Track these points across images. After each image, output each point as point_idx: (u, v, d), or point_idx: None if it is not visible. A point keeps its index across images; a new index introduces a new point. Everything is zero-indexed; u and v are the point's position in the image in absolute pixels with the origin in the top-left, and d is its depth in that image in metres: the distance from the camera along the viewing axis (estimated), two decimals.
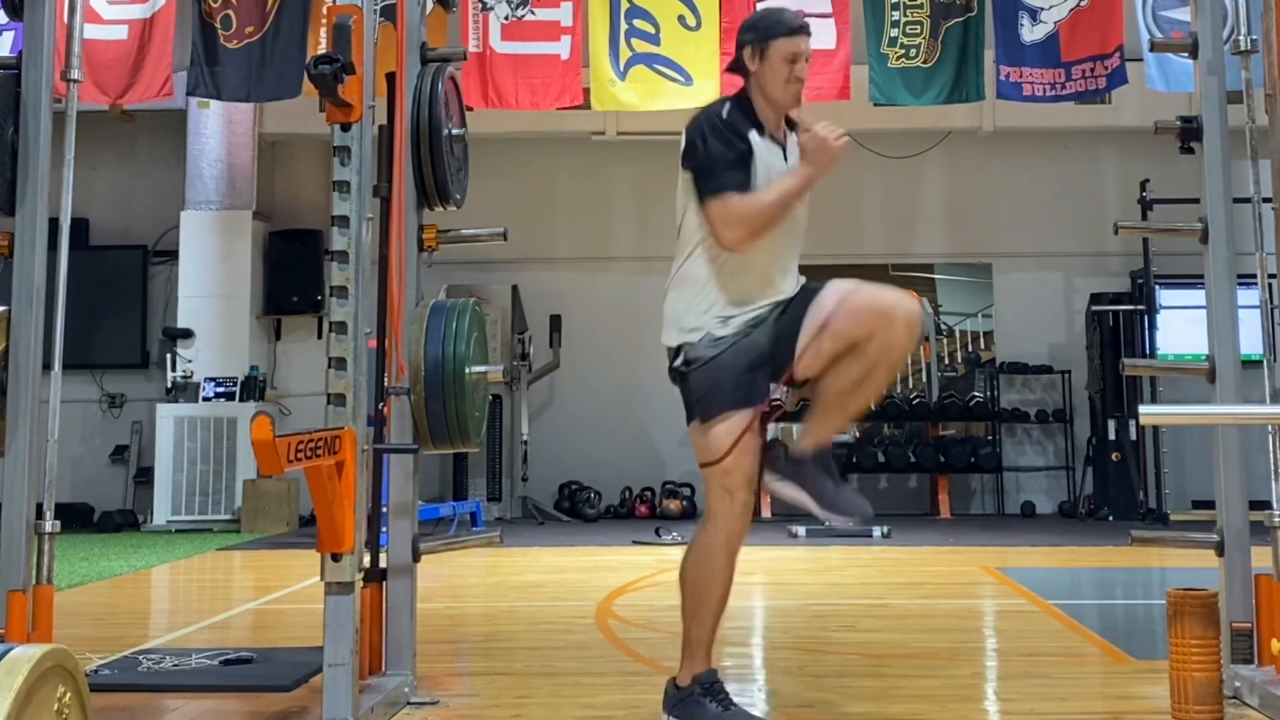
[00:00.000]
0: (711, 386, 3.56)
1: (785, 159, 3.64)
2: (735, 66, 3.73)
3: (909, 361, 12.67)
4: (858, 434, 11.76)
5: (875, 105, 9.36)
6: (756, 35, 3.66)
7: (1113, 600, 6.89)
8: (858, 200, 12.07)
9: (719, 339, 3.57)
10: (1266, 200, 3.94)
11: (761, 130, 3.62)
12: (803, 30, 3.67)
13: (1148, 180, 11.24)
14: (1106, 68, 8.97)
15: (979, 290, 12.60)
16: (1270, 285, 4.11)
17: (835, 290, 3.50)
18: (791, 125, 3.71)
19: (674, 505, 11.49)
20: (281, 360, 12.03)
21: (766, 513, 10.87)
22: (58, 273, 3.45)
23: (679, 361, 3.63)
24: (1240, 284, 4.05)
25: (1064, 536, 9.70)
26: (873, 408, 11.87)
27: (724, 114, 3.63)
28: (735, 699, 3.64)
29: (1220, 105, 4.05)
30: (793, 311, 3.55)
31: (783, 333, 3.54)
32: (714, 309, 3.58)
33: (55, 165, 3.40)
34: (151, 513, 10.97)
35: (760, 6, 9.05)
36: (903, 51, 9.19)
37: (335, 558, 3.47)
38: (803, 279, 3.68)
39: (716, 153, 3.55)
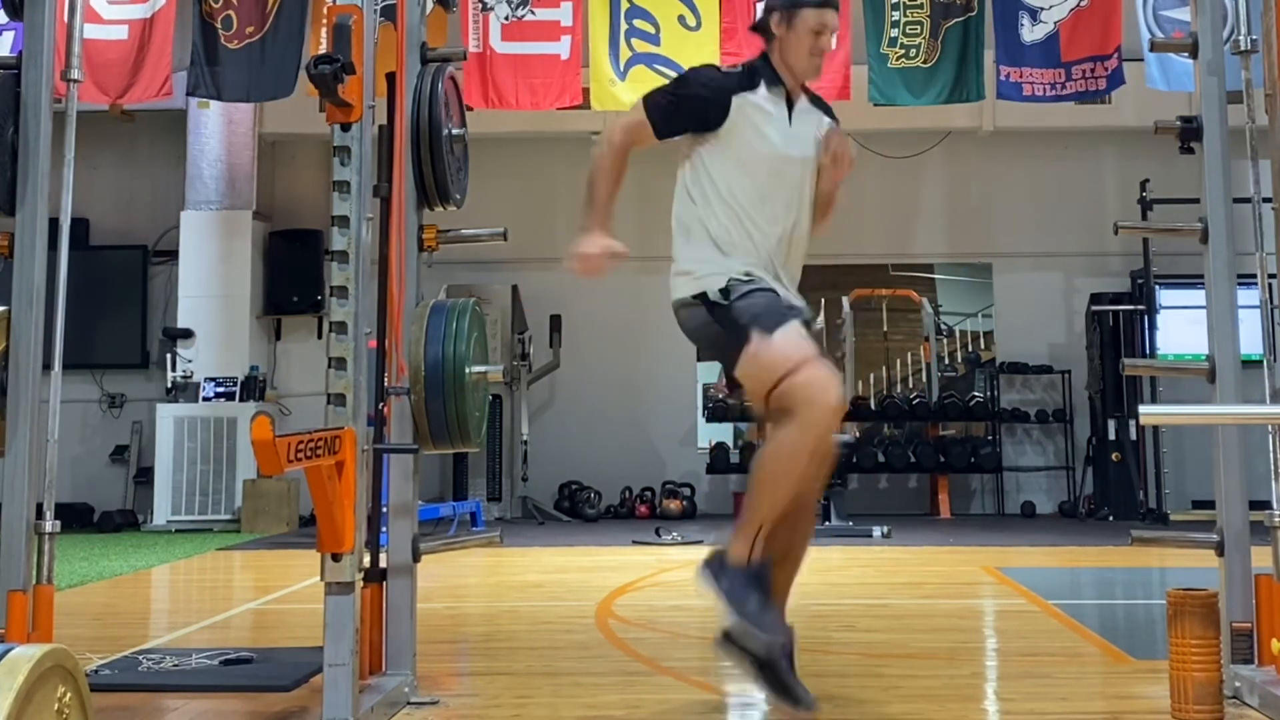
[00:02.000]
0: (764, 304, 3.50)
1: (790, 120, 3.67)
2: (760, 27, 3.77)
3: (909, 361, 12.69)
4: (857, 434, 11.77)
5: (875, 105, 9.36)
6: (786, 2, 3.70)
7: (1113, 600, 6.89)
8: (858, 200, 12.05)
9: (751, 275, 3.57)
10: (1266, 200, 3.94)
11: (773, 85, 3.66)
12: (831, 4, 3.72)
13: (1148, 180, 11.24)
14: (1106, 68, 8.98)
15: (979, 290, 12.61)
16: (1270, 285, 4.11)
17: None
18: (808, 91, 3.76)
19: (674, 505, 11.49)
20: (281, 360, 12.03)
21: None
22: (58, 273, 3.45)
23: (717, 295, 3.53)
24: (1240, 284, 4.05)
25: (1064, 536, 9.70)
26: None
27: (724, 71, 3.78)
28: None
29: (1220, 105, 4.05)
30: None
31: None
32: (736, 266, 3.59)
33: (55, 165, 3.40)
34: (151, 513, 10.97)
35: (759, 6, 9.06)
36: (903, 51, 9.19)
37: (335, 558, 3.47)
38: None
39: (677, 93, 3.72)
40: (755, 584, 3.44)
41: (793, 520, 3.57)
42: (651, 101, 3.69)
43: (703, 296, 3.57)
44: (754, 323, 3.46)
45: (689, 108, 3.66)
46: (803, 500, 3.58)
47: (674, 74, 9.05)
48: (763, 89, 3.66)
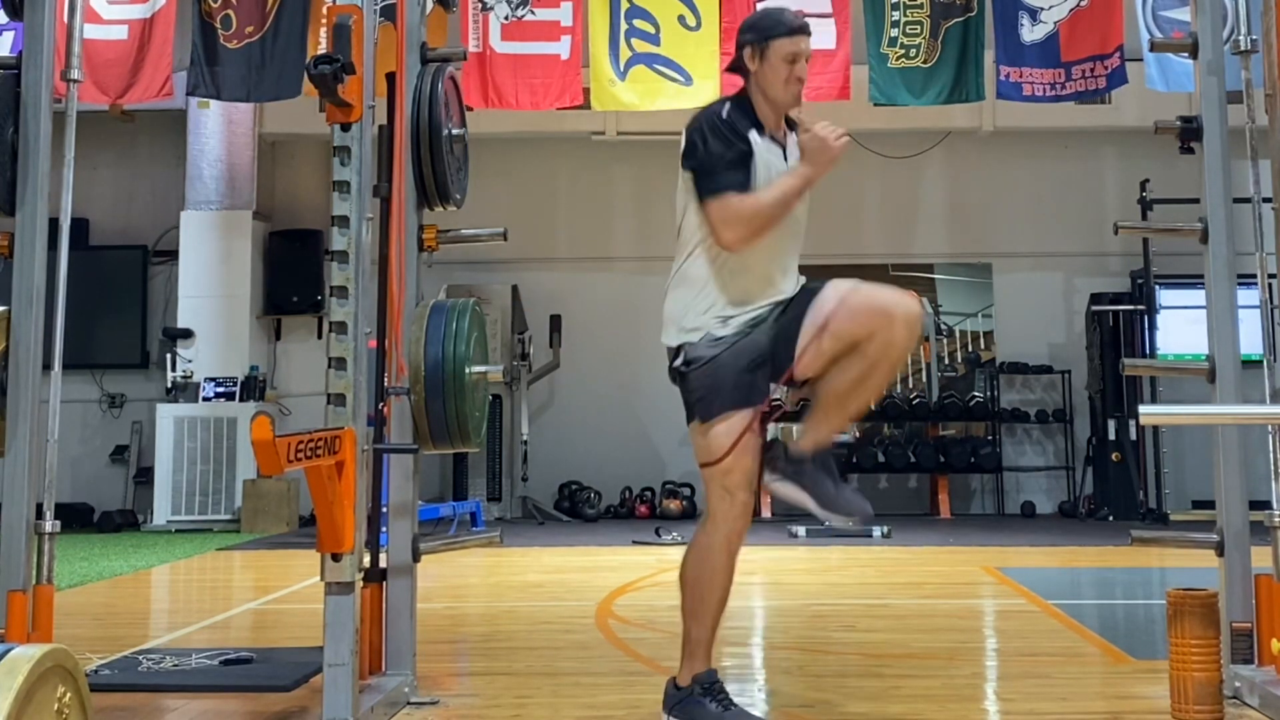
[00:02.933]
0: (711, 386, 3.56)
1: (785, 158, 3.64)
2: (735, 66, 3.73)
3: (909, 361, 12.68)
4: (858, 434, 11.77)
5: (875, 105, 9.36)
6: (756, 35, 3.67)
7: (1113, 600, 6.89)
8: (858, 200, 12.08)
9: (719, 339, 3.56)
10: (1266, 200, 3.94)
11: (761, 130, 3.62)
12: (803, 30, 3.67)
13: (1148, 180, 11.24)
14: (1106, 68, 8.97)
15: (979, 290, 12.60)
16: (1270, 285, 4.11)
17: (835, 290, 3.49)
18: (791, 125, 3.71)
19: (674, 505, 11.49)
20: (281, 360, 12.03)
21: (766, 513, 10.87)
22: (58, 273, 3.45)
23: (679, 361, 3.62)
24: (1240, 284, 4.05)
25: (1064, 536, 9.70)
26: (873, 407, 11.89)
27: (724, 114, 3.63)
28: (735, 699, 3.64)
29: (1220, 105, 4.05)
30: (792, 311, 3.54)
31: (783, 333, 3.53)
32: (714, 309, 3.58)
33: (55, 165, 3.40)
34: (151, 513, 10.97)
35: (760, 6, 9.05)
36: (903, 51, 9.18)
37: (335, 558, 3.47)
38: (802, 279, 3.68)
39: (716, 152, 3.55)
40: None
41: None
42: (710, 181, 3.53)
43: (677, 352, 3.64)
44: (698, 404, 3.60)
45: (738, 161, 3.56)
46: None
47: (674, 74, 9.20)
48: (754, 133, 3.61)
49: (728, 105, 3.68)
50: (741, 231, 3.50)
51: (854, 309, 3.43)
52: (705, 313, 3.58)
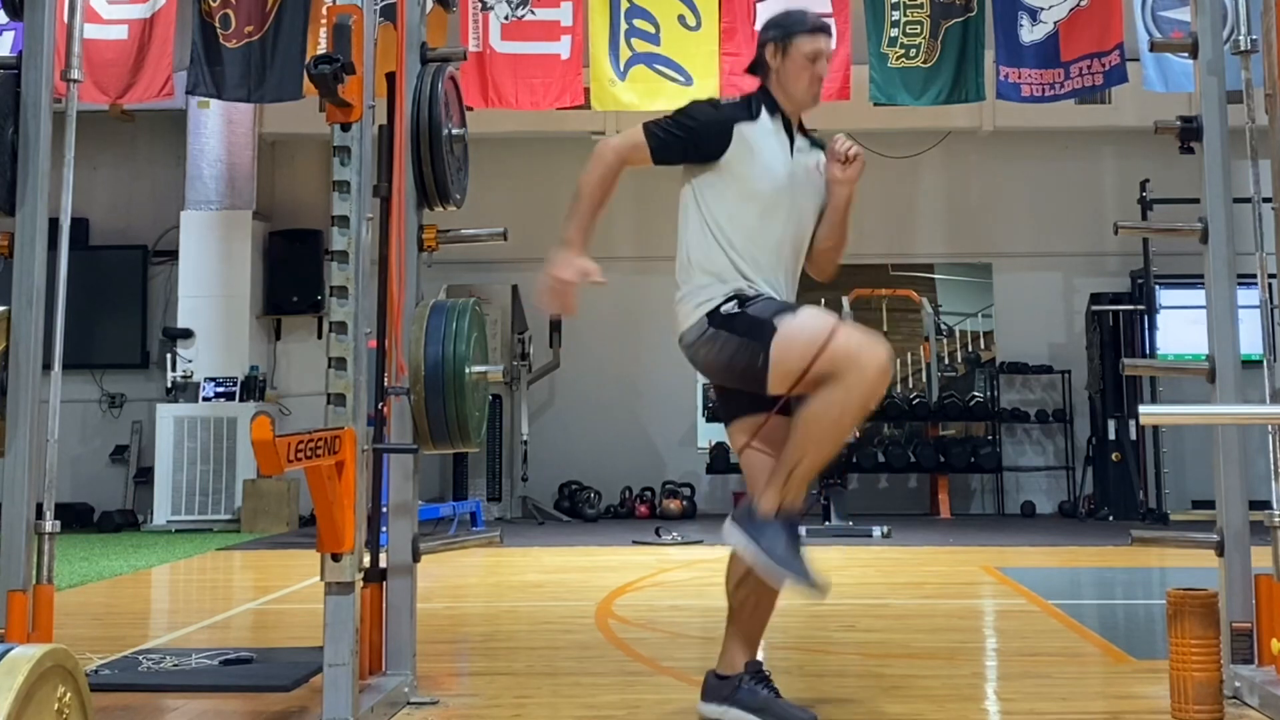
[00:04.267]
0: (780, 304, 3.52)
1: (791, 153, 3.65)
2: (756, 64, 3.76)
3: (909, 361, 12.69)
4: (858, 434, 11.76)
5: (875, 105, 9.36)
6: (780, 32, 3.70)
7: (1113, 600, 6.89)
8: (858, 200, 12.05)
9: (757, 293, 3.57)
10: (1266, 200, 3.94)
11: (775, 114, 3.65)
12: (824, 29, 3.72)
13: (1148, 180, 11.24)
14: (1105, 65, 8.97)
15: (979, 290, 12.61)
16: (1270, 285, 4.11)
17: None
18: (806, 133, 3.75)
19: (674, 505, 11.49)
20: (281, 360, 12.03)
21: None
22: (58, 273, 3.45)
23: (729, 304, 3.51)
24: (1240, 284, 4.05)
25: (1064, 536, 9.70)
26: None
27: (725, 104, 3.71)
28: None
29: (1220, 105, 4.05)
30: None
31: None
32: (747, 282, 3.58)
33: (55, 165, 3.40)
34: (151, 513, 10.97)
35: (759, 6, 9.05)
36: (903, 51, 9.19)
37: (335, 558, 3.47)
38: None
39: (678, 122, 3.62)
40: (787, 534, 3.45)
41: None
42: (651, 128, 3.63)
43: (715, 313, 3.53)
44: (776, 314, 3.46)
45: (688, 139, 3.60)
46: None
47: (674, 74, 9.20)
48: (764, 118, 3.65)
49: (740, 98, 3.72)
50: (604, 150, 3.59)
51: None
52: (742, 280, 3.57)
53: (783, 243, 3.63)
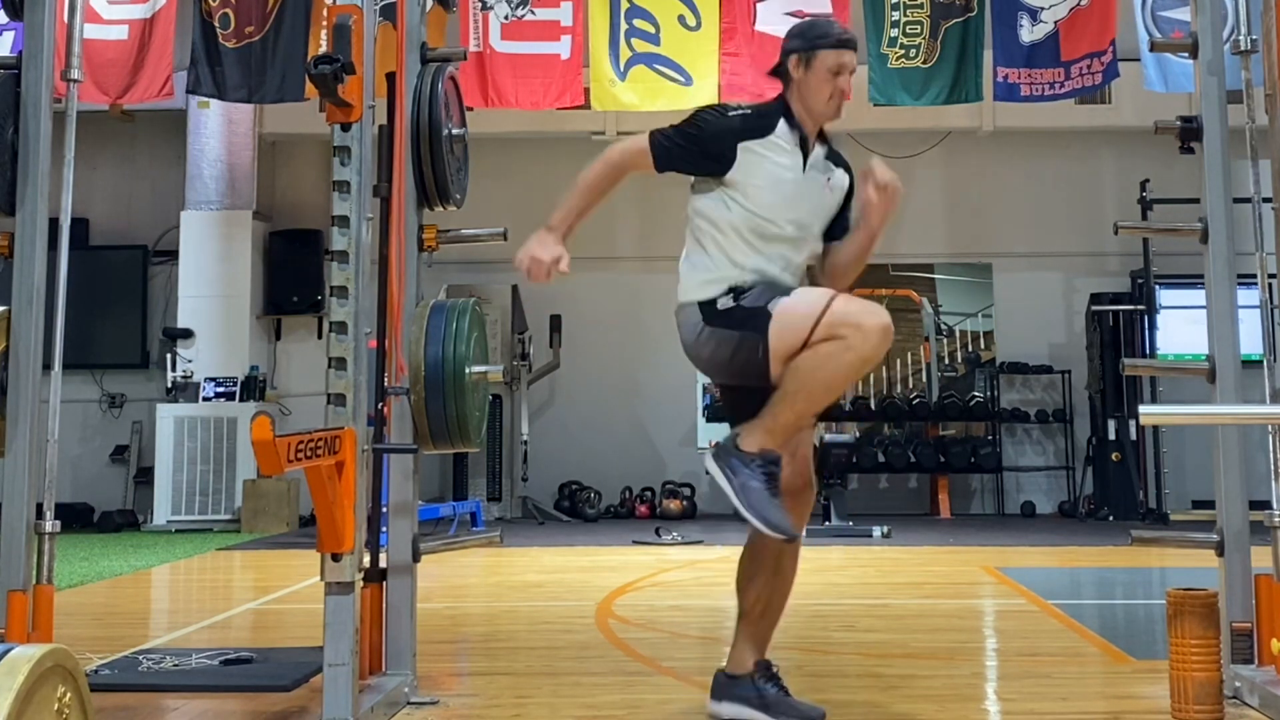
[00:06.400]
0: (775, 290, 3.50)
1: (804, 168, 3.62)
2: (778, 71, 3.71)
3: (909, 361, 12.69)
4: (858, 434, 11.77)
5: (875, 105, 9.36)
6: (803, 43, 3.65)
7: (1113, 600, 6.89)
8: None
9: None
10: (1266, 200, 3.94)
11: (792, 128, 3.62)
12: (849, 44, 3.65)
13: (1148, 180, 11.24)
14: (1102, 63, 8.97)
15: (979, 290, 12.60)
16: (1270, 285, 4.11)
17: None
18: (824, 140, 3.72)
19: (674, 505, 11.49)
20: (281, 360, 12.03)
21: None
22: (58, 273, 3.45)
23: (726, 296, 3.53)
24: (1240, 284, 4.05)
25: (1064, 536, 9.70)
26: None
27: (733, 114, 3.65)
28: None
29: (1220, 105, 4.05)
30: None
31: None
32: (749, 275, 3.58)
33: (55, 165, 3.40)
34: (151, 513, 10.97)
35: (760, 6, 9.06)
36: (902, 52, 9.19)
37: (335, 558, 3.47)
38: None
39: (683, 132, 3.63)
40: (765, 475, 3.44)
41: (775, 567, 3.68)
42: (657, 136, 3.63)
43: (710, 308, 3.54)
44: (771, 299, 3.46)
45: (693, 149, 3.60)
46: (788, 548, 3.67)
47: (674, 74, 9.20)
48: (779, 132, 3.60)
49: (753, 109, 3.69)
50: (610, 153, 3.65)
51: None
52: (742, 268, 3.57)
53: (787, 258, 3.60)
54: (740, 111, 3.68)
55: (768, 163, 3.56)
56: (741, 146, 3.56)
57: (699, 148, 3.59)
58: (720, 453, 3.52)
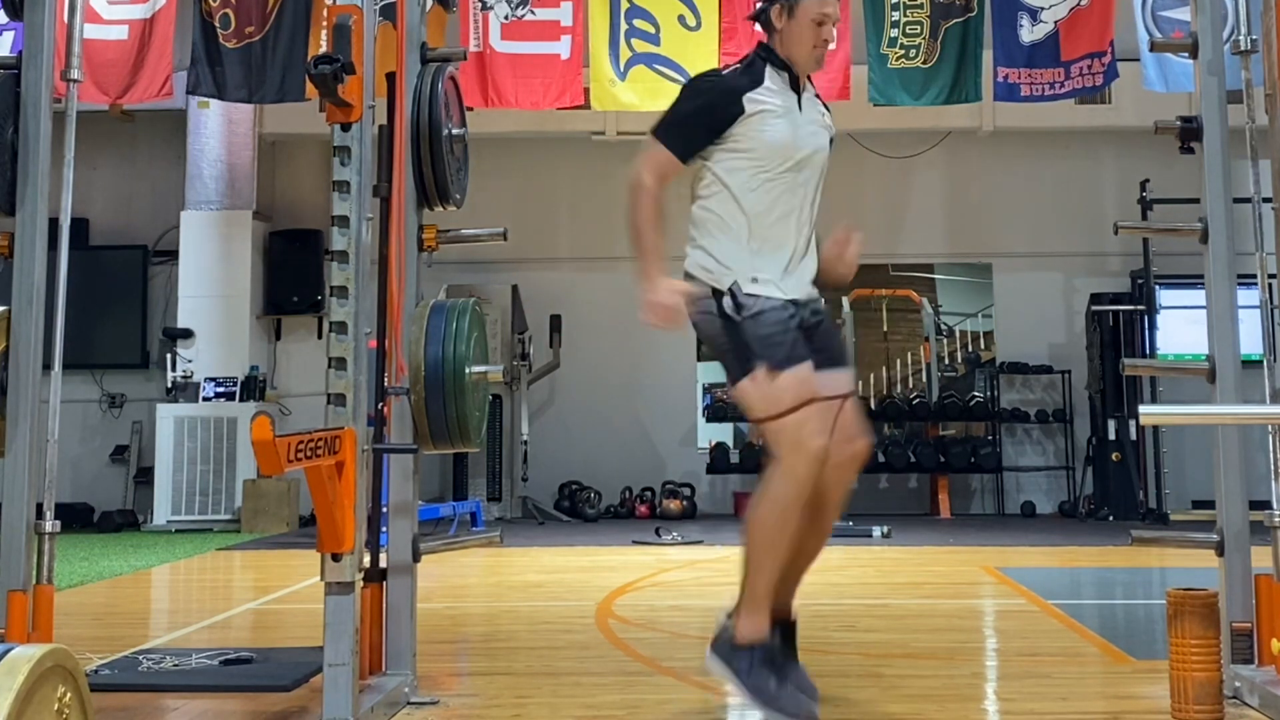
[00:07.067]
0: (774, 333, 3.49)
1: (800, 108, 3.66)
2: (758, 17, 3.73)
3: (909, 361, 12.69)
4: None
5: (875, 105, 9.36)
6: None
7: (1113, 600, 6.89)
8: (857, 200, 12.06)
9: (773, 297, 3.54)
10: (1266, 200, 3.94)
11: (779, 70, 3.65)
12: None
13: (1148, 180, 11.24)
14: (1102, 64, 8.96)
15: (979, 290, 12.61)
16: (1270, 285, 4.11)
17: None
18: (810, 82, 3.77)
19: (674, 505, 11.49)
20: (281, 360, 12.03)
21: None
22: (58, 273, 3.45)
23: (727, 302, 3.53)
24: (1240, 284, 4.05)
25: (1064, 536, 9.70)
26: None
27: (726, 74, 3.69)
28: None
29: (1220, 105, 4.05)
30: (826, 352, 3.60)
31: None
32: (760, 268, 3.57)
33: (55, 165, 3.40)
34: (151, 513, 10.97)
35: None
36: (902, 52, 9.18)
37: (335, 558, 3.47)
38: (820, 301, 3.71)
39: (684, 109, 3.65)
40: (769, 663, 3.44)
41: (813, 517, 3.57)
42: (662, 132, 3.62)
43: (716, 298, 3.55)
44: (763, 354, 3.46)
45: (704, 114, 3.60)
46: (826, 499, 3.61)
47: (674, 74, 9.18)
48: (768, 79, 3.63)
49: (743, 63, 3.71)
50: (641, 177, 3.58)
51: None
52: (753, 261, 3.56)
53: (800, 205, 3.62)
54: (732, 69, 3.74)
55: (767, 106, 3.60)
56: (746, 98, 3.59)
57: (711, 111, 3.59)
58: (721, 653, 3.51)
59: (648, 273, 3.53)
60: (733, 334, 3.53)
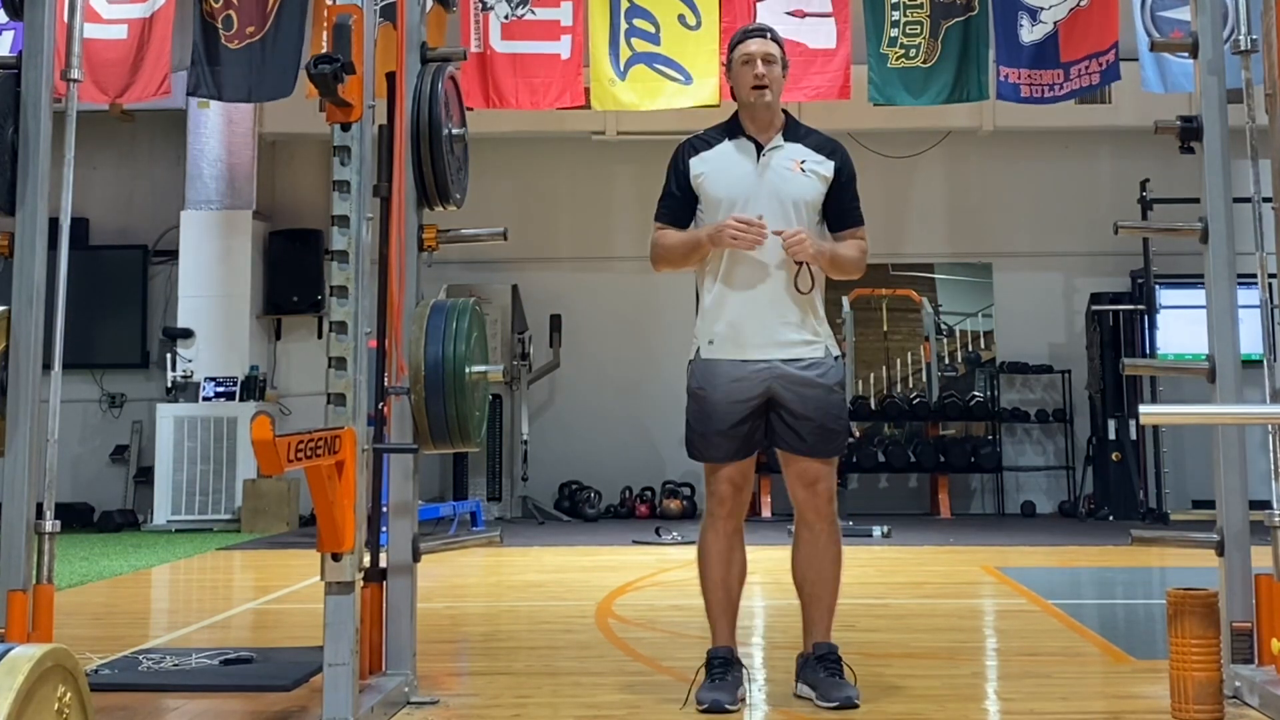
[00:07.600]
0: (708, 428, 3.98)
1: (759, 157, 3.89)
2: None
3: (909, 361, 12.69)
4: (858, 434, 11.77)
5: (875, 105, 9.35)
6: (729, 47, 4.07)
7: (1113, 600, 6.89)
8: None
9: (710, 361, 3.94)
10: (1266, 200, 3.94)
11: (735, 134, 3.95)
12: (758, 32, 4.00)
13: (1148, 180, 11.24)
14: (1102, 64, 8.95)
15: (979, 290, 12.60)
16: (1270, 285, 4.11)
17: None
18: (798, 135, 3.99)
19: (674, 505, 11.49)
20: (281, 360, 12.03)
21: (766, 512, 10.88)
22: (58, 273, 3.45)
23: (689, 369, 4.02)
24: (1240, 284, 4.05)
25: (1064, 536, 9.70)
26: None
27: (687, 142, 4.03)
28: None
29: (1220, 105, 4.05)
30: (806, 425, 3.91)
31: (799, 428, 3.91)
32: (709, 329, 3.96)
33: (55, 165, 3.40)
34: (151, 513, 10.97)
35: (759, 6, 9.05)
36: (903, 51, 9.18)
37: (335, 557, 3.47)
38: (821, 348, 3.96)
39: (665, 184, 4.04)
40: (708, 666, 3.97)
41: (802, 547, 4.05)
42: (658, 211, 4.03)
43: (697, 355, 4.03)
44: (698, 443, 4.01)
45: (675, 191, 3.97)
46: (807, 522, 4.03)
47: (674, 73, 9.20)
48: (725, 142, 3.96)
49: (714, 127, 4.06)
50: (653, 258, 4.04)
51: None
52: (712, 323, 3.96)
53: (761, 256, 3.85)
54: (691, 137, 4.08)
55: (717, 164, 3.93)
56: (694, 159, 3.96)
57: (672, 181, 3.98)
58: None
59: (698, 234, 3.90)
60: (689, 408, 4.03)
